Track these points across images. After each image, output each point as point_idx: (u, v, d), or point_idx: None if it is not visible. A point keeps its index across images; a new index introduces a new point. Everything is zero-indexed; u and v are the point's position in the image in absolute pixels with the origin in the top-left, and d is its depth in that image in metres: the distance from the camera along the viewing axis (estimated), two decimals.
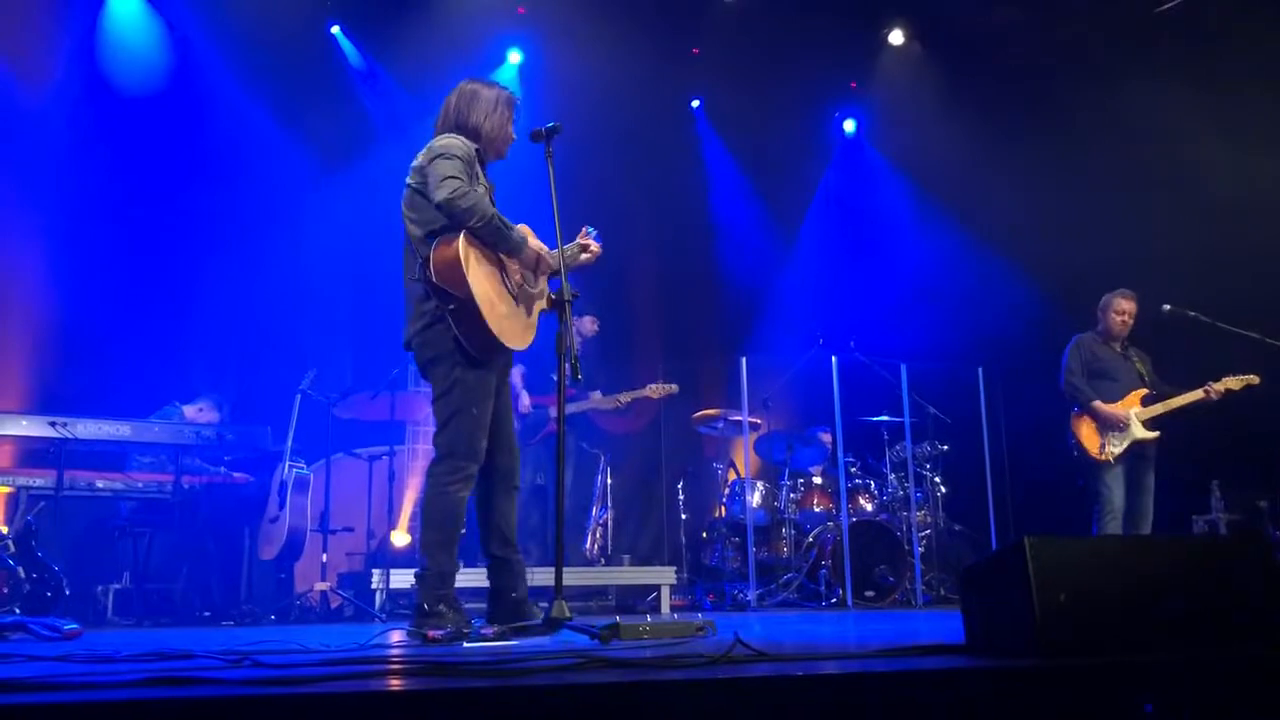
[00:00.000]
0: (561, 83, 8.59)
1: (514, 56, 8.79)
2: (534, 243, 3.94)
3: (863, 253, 9.61)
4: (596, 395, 7.13)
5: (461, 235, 3.64)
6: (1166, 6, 8.18)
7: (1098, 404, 6.07)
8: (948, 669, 2.07)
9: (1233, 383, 6.06)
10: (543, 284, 4.06)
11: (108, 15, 7.52)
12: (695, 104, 9.65)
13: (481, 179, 3.85)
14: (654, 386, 7.16)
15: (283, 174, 7.61)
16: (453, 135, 3.81)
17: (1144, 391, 6.16)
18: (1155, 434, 6.04)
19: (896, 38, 9.31)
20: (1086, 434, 6.08)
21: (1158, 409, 6.09)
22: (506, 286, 3.82)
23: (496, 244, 3.76)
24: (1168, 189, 7.79)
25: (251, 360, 7.40)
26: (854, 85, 9.81)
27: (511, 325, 3.78)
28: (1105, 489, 5.99)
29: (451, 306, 3.62)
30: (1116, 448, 6.01)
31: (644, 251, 9.00)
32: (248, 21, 7.56)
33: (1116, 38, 8.36)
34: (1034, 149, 8.43)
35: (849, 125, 10.13)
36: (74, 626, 4.05)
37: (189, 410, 6.84)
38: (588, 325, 7.25)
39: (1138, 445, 6.03)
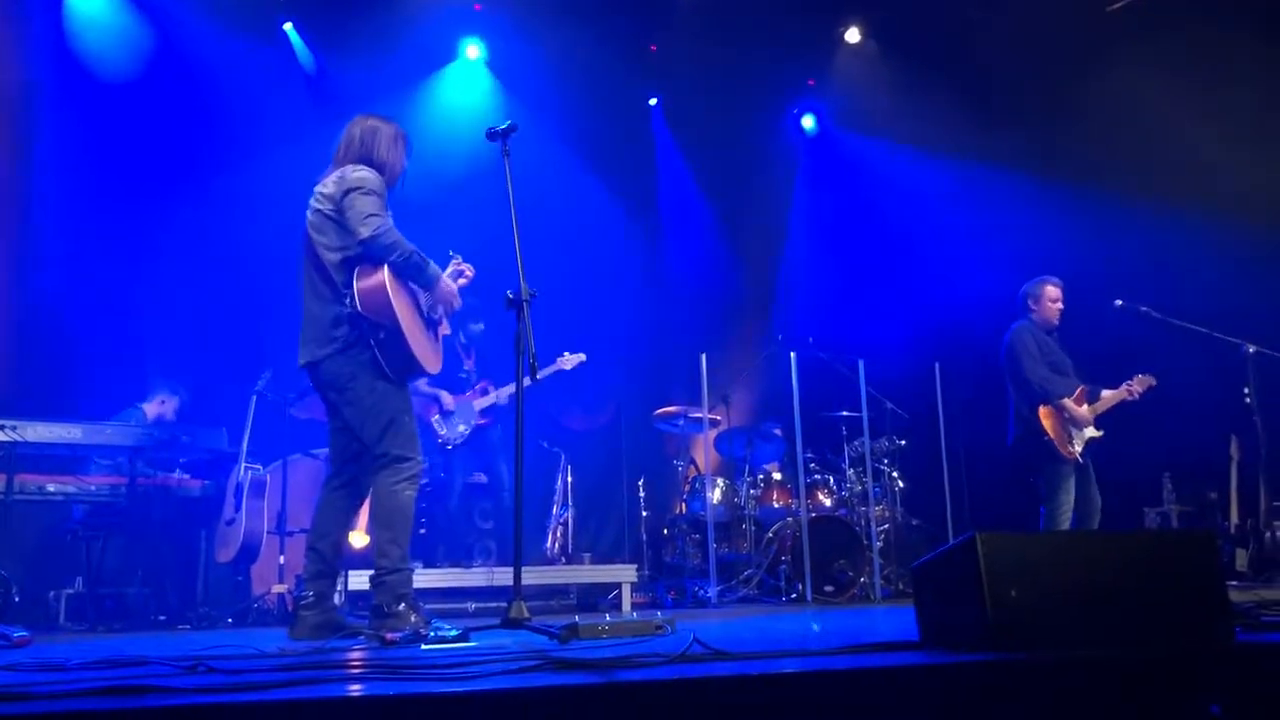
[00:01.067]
0: (518, 79, 8.57)
1: (472, 50, 8.74)
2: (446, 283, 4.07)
3: (820, 249, 9.67)
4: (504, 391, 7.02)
5: (385, 265, 3.81)
6: (1117, 5, 8.30)
7: (1067, 401, 5.88)
8: (901, 666, 2.09)
9: (1143, 383, 6.06)
10: (443, 310, 4.17)
11: (55, 8, 7.37)
12: (653, 102, 9.65)
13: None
14: (564, 358, 7.03)
15: (244, 173, 7.50)
16: (365, 168, 3.93)
17: (1084, 387, 6.04)
18: (1101, 432, 5.96)
19: (853, 35, 9.40)
20: (1054, 429, 5.84)
21: (1101, 406, 6.04)
22: (420, 312, 4.01)
23: (413, 278, 3.92)
24: (1126, 185, 7.90)
25: (207, 361, 7.29)
26: (811, 82, 9.87)
27: (427, 350, 3.97)
28: (1063, 486, 5.83)
29: (381, 335, 3.77)
30: (1078, 446, 5.87)
31: (600, 249, 8.99)
32: (205, 14, 7.48)
33: (1073, 35, 8.46)
34: (990, 146, 8.52)
35: (808, 122, 10.19)
36: (23, 634, 3.97)
37: (149, 408, 6.74)
38: (470, 328, 7.12)
39: (1090, 442, 5.97)
